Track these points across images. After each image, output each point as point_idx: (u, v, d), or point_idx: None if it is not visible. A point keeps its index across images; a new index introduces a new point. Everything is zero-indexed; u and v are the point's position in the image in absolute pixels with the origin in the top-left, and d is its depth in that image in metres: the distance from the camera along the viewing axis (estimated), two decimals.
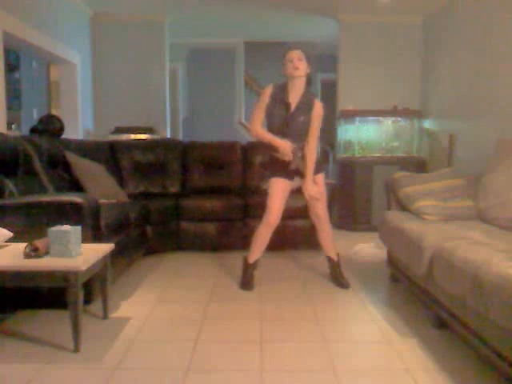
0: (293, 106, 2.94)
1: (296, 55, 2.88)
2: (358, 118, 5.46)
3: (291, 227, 3.99)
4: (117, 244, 2.59)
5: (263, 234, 3.05)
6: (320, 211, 3.09)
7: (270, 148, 3.02)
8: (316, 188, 3.03)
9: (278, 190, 3.01)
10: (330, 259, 3.21)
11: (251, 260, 3.10)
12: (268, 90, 2.97)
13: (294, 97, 2.94)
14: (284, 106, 2.94)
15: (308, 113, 2.94)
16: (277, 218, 3.01)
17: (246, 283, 3.07)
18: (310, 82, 2.98)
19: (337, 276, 3.15)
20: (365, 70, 5.68)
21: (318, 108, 2.96)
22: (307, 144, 3.00)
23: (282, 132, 2.95)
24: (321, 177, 3.11)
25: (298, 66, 2.86)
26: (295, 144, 2.96)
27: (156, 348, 2.15)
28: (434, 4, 5.09)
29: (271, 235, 3.06)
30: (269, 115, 2.99)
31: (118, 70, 5.80)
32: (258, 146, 4.72)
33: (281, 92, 2.95)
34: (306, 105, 2.94)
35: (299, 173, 3.04)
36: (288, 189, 3.07)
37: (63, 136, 4.55)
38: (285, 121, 2.94)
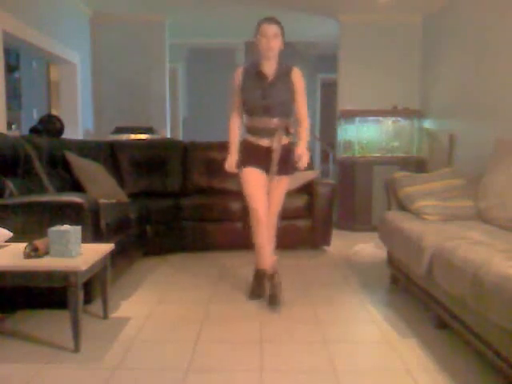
0: (270, 77, 2.69)
1: (272, 31, 2.61)
2: (357, 118, 5.47)
3: (291, 227, 3.99)
4: (117, 244, 2.59)
5: (256, 236, 2.73)
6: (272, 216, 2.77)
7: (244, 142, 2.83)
8: (277, 188, 2.76)
9: (251, 180, 2.71)
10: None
11: (260, 265, 2.83)
12: (238, 70, 2.78)
13: (270, 69, 2.69)
14: (260, 77, 2.69)
15: (287, 81, 2.69)
16: (261, 214, 2.66)
17: (253, 293, 2.85)
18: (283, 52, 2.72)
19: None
20: (365, 70, 5.68)
21: (298, 74, 2.72)
22: (300, 123, 2.75)
23: (262, 106, 2.67)
24: (285, 180, 2.80)
25: (273, 47, 2.62)
26: (279, 120, 2.69)
27: (156, 348, 2.15)
28: (434, 3, 5.09)
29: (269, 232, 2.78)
30: (245, 92, 2.72)
31: (117, 69, 5.80)
32: None
33: (254, 67, 2.73)
34: (283, 74, 2.70)
35: (270, 168, 2.73)
36: (264, 179, 2.74)
37: (63, 136, 4.56)
38: (263, 92, 2.66)
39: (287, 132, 2.76)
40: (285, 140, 2.76)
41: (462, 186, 3.04)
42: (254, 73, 2.72)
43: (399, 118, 5.56)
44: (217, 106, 7.53)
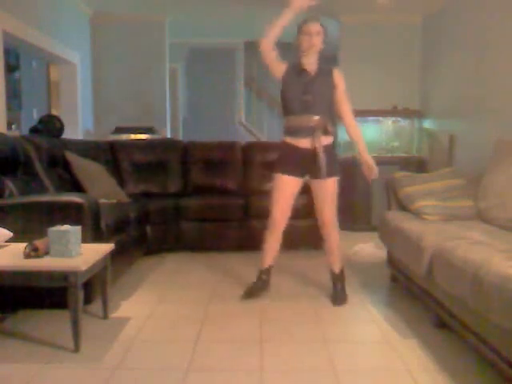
0: (311, 73, 2.70)
1: (315, 29, 2.64)
2: (358, 118, 5.44)
3: (291, 227, 3.97)
4: (117, 244, 2.58)
5: (266, 239, 2.84)
6: (326, 217, 2.80)
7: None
8: (324, 192, 2.74)
9: (280, 188, 2.75)
10: (330, 271, 2.93)
11: (262, 266, 2.89)
12: (284, 64, 2.75)
13: (311, 67, 2.70)
14: (301, 74, 2.69)
15: (328, 79, 2.72)
16: (278, 222, 2.78)
17: (250, 293, 2.82)
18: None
19: (335, 290, 2.86)
20: (365, 70, 5.67)
21: (339, 75, 2.77)
22: (345, 120, 2.82)
23: (302, 102, 2.65)
24: (334, 181, 2.78)
25: (316, 43, 2.64)
26: (319, 118, 2.66)
27: (156, 348, 2.15)
28: (434, 4, 5.09)
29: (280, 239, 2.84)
30: (285, 88, 2.71)
31: (118, 69, 5.80)
32: (258, 146, 4.72)
33: (296, 66, 2.72)
34: (324, 72, 2.72)
35: (310, 171, 2.72)
36: (295, 187, 2.77)
37: (63, 136, 4.56)
38: (304, 88, 2.66)
39: (326, 131, 2.71)
40: (325, 140, 2.72)
41: (462, 186, 3.04)
42: (296, 71, 2.72)
43: (399, 118, 5.56)
44: (217, 106, 7.53)
